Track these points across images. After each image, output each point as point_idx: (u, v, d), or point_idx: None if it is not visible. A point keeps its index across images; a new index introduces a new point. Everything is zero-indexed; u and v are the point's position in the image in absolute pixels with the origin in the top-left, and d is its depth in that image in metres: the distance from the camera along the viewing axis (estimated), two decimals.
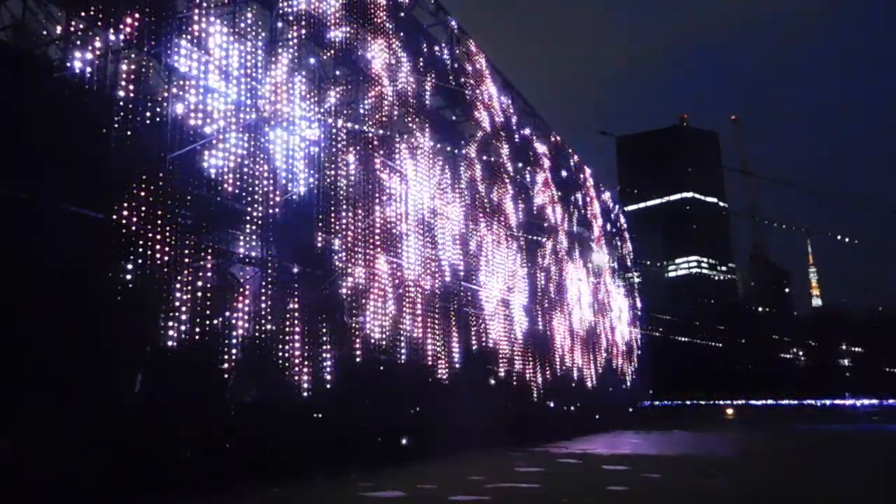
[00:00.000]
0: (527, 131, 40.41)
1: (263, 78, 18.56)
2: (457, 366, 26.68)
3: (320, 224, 20.18)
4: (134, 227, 14.21)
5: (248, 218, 17.44)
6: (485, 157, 32.83)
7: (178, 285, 15.03)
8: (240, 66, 17.78)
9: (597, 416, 44.52)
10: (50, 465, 12.15)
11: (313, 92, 20.77)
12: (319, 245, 20.17)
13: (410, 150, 25.83)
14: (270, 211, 17.94)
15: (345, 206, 21.17)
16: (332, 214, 20.66)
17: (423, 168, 26.60)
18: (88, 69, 14.15)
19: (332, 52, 21.84)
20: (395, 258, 23.56)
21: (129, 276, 14.13)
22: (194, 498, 14.19)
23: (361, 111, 23.13)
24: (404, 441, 22.46)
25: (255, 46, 18.61)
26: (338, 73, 22.33)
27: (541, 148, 42.30)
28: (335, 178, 21.09)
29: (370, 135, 23.03)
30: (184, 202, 15.48)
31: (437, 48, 30.16)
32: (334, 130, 21.36)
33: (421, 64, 27.78)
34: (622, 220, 65.59)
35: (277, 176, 18.51)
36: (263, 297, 17.76)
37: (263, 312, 17.63)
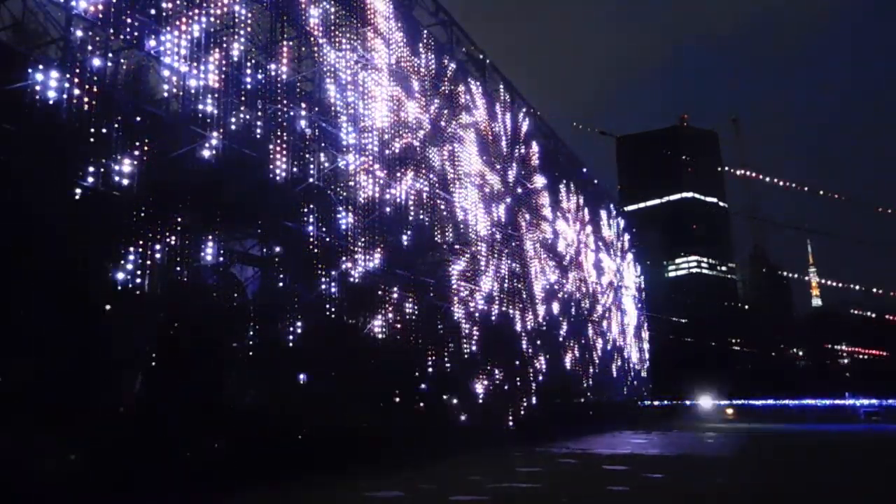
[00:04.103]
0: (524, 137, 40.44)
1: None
2: (457, 367, 26.69)
3: None
4: (135, 227, 14.23)
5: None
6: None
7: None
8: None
9: (592, 414, 44.52)
10: (50, 463, 12.16)
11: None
12: None
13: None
14: None
15: None
16: None
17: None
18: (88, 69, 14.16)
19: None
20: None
21: (129, 276, 14.12)
22: (194, 498, 14.17)
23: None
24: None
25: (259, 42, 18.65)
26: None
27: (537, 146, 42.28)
28: None
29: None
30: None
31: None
32: None
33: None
34: (623, 220, 65.54)
35: None
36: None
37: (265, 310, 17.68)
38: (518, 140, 37.91)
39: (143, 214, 14.56)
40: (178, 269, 15.28)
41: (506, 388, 30.89)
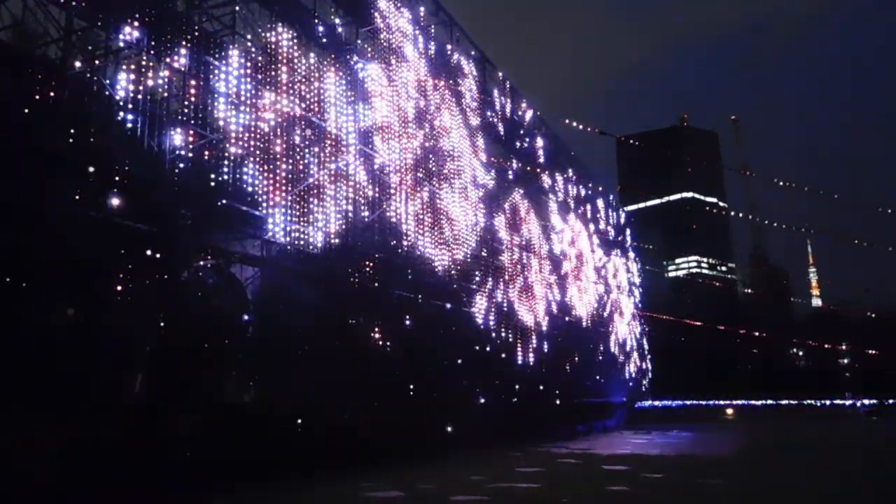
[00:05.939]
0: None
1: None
2: (458, 368, 26.67)
3: None
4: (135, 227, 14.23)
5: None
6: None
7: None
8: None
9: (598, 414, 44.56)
10: (50, 464, 12.16)
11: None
12: None
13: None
14: None
15: None
16: None
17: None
18: (89, 69, 14.18)
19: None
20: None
21: (129, 276, 14.13)
22: (195, 498, 14.18)
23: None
24: None
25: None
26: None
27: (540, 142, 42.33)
28: None
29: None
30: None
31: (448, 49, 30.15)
32: None
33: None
34: (622, 219, 65.50)
35: None
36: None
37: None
38: (518, 137, 37.91)
39: (142, 214, 14.55)
40: (179, 268, 15.27)
41: (506, 388, 30.87)
